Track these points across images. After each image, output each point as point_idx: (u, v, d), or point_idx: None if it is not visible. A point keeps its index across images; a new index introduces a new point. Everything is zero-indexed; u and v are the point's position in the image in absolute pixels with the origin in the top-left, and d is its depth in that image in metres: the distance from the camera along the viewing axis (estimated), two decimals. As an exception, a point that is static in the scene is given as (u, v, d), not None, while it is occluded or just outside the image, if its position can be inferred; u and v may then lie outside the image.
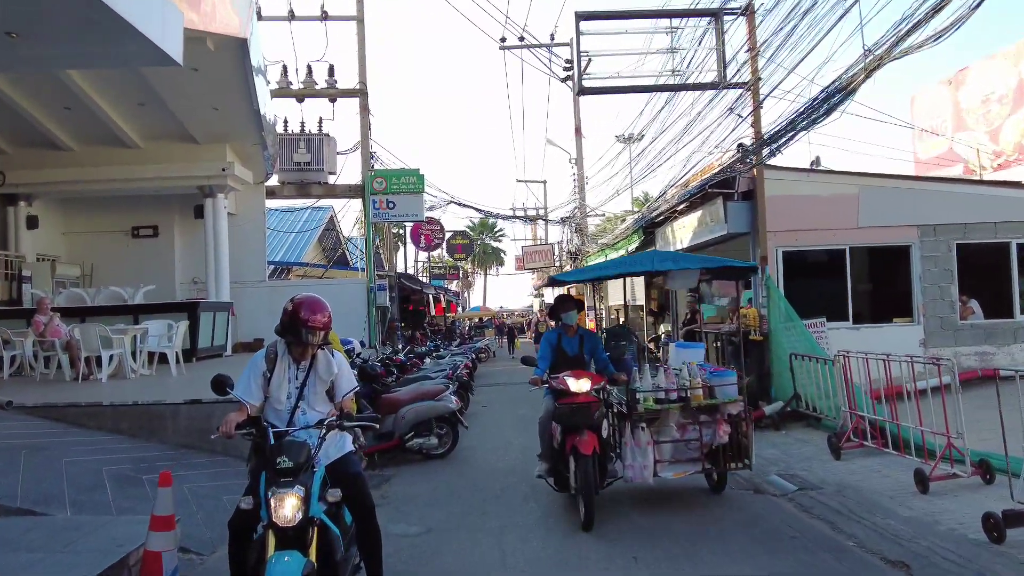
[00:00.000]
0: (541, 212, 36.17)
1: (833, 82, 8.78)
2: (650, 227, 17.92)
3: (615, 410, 7.92)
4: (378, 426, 4.64)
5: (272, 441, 4.27)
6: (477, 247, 72.26)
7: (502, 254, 74.91)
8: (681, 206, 14.47)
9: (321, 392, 4.79)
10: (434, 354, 18.69)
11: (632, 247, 19.56)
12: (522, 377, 25.01)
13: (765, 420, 11.83)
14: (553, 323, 8.56)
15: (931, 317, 12.75)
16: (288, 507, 3.94)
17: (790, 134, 9.70)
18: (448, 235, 32.87)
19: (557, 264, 37.75)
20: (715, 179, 12.39)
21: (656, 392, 7.53)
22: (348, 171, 28.06)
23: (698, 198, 13.71)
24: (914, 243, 12.80)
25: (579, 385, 7.13)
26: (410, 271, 41.44)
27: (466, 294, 73.20)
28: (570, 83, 30.91)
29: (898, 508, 7.05)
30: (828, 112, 9.07)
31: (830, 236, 12.70)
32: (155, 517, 5.34)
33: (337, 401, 4.83)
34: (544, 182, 46.50)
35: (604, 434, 7.37)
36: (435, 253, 44.42)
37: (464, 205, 24.67)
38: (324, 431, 4.42)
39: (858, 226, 12.69)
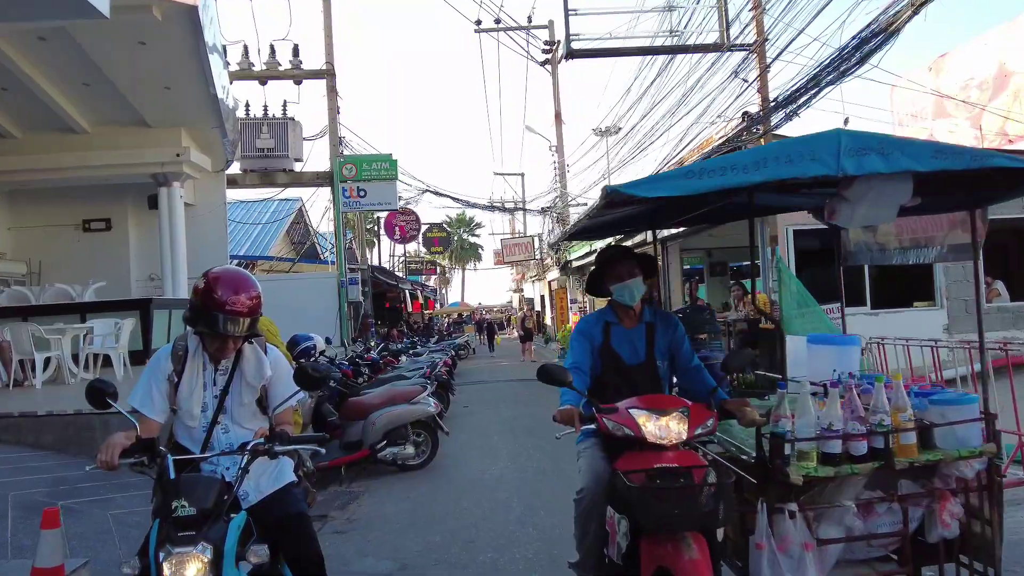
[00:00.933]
0: (520, 204, 34.93)
1: (869, 24, 7.56)
2: (641, 211, 16.68)
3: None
4: (323, 450, 3.29)
5: (173, 474, 2.97)
6: (454, 242, 71.10)
7: (480, 249, 73.65)
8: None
9: (250, 402, 3.50)
10: (411, 352, 17.36)
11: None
12: (504, 374, 23.92)
13: (779, 417, 10.65)
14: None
15: (955, 300, 11.64)
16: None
17: (814, 91, 8.47)
18: (424, 227, 31.49)
19: (537, 257, 36.52)
20: (718, 152, 11.17)
21: (823, 440, 3.59)
22: (315, 158, 26.64)
23: (697, 175, 12.49)
24: (936, 219, 11.66)
25: (664, 429, 3.41)
26: (387, 267, 40.04)
27: (444, 290, 71.84)
28: (548, 67, 29.73)
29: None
30: (862, 61, 7.85)
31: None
32: (37, 570, 4.05)
33: (271, 415, 3.54)
34: (522, 175, 45.33)
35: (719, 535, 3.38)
36: (411, 248, 43.06)
37: (440, 194, 23.32)
38: (246, 458, 3.12)
39: (875, 201, 11.52)
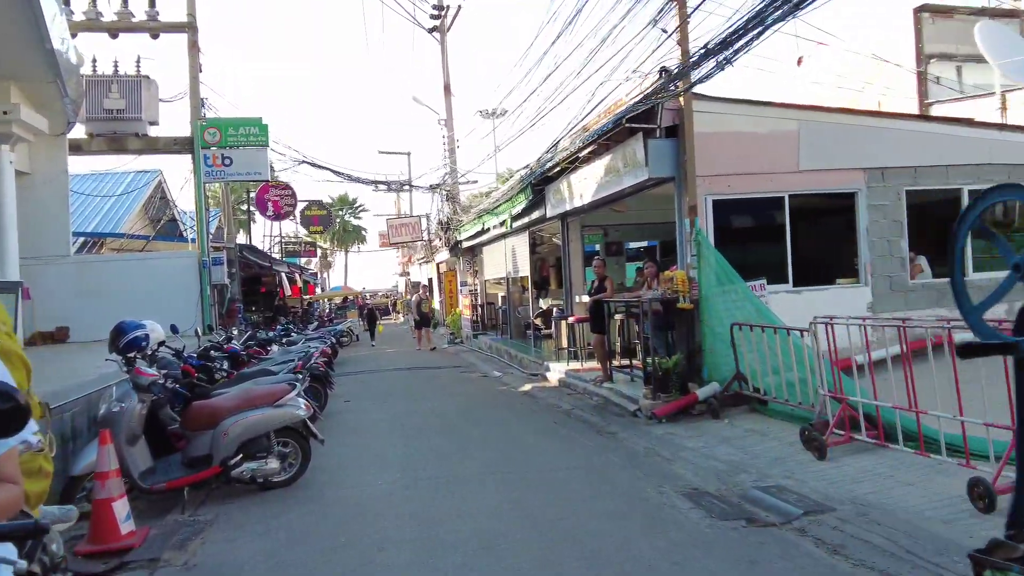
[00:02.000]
0: (407, 183, 33.08)
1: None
2: (540, 184, 15.35)
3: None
4: (31, 540, 1.62)
5: None
6: (337, 222, 68.15)
7: (364, 231, 70.99)
8: (585, 151, 11.93)
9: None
10: (284, 340, 15.44)
11: (517, 209, 16.95)
12: (392, 362, 22.19)
13: (699, 406, 9.56)
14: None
15: (879, 277, 10.87)
16: None
17: (757, 30, 7.26)
18: (302, 204, 29.18)
19: (426, 239, 34.77)
20: (634, 110, 9.90)
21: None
22: (174, 122, 23.88)
23: (606, 140, 11.22)
24: (860, 189, 10.85)
25: None
26: (261, 247, 37.32)
27: (326, 274, 68.83)
28: (437, 35, 27.97)
29: (963, 538, 4.79)
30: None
31: (767, 181, 10.53)
32: None
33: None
34: (408, 154, 43.18)
35: None
36: (290, 229, 40.38)
37: (319, 166, 21.22)
38: None
39: (798, 169, 10.59)
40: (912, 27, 20.70)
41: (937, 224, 11.58)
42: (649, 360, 10.14)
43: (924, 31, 21.31)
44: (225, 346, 10.94)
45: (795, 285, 10.59)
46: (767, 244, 10.86)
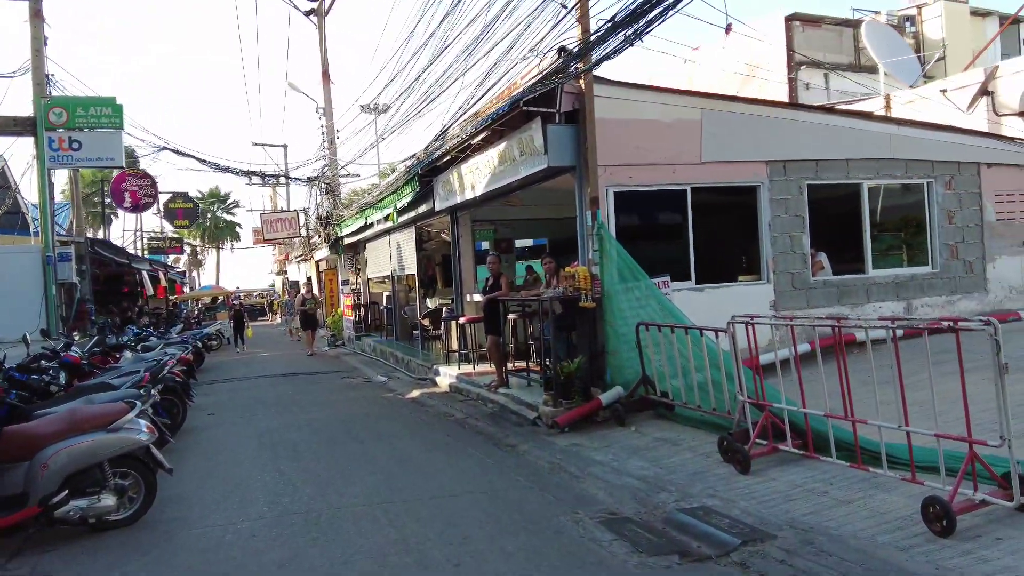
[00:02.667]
0: (284, 175, 31.27)
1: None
2: (428, 175, 14.34)
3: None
4: None
5: None
6: (208, 218, 64.68)
7: (237, 227, 67.60)
8: (478, 138, 11.02)
9: None
10: (140, 346, 13.77)
11: (403, 202, 15.86)
12: (266, 367, 20.55)
13: (603, 413, 8.86)
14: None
15: (781, 274, 10.49)
16: None
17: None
18: (166, 197, 26.97)
19: (303, 235, 32.98)
20: (532, 92, 9.08)
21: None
22: (13, 100, 21.36)
23: (501, 126, 10.36)
24: (763, 183, 10.44)
25: None
26: (119, 243, 34.51)
27: (195, 273, 65.13)
28: (315, 18, 26.42)
29: (928, 569, 4.19)
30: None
31: (669, 173, 9.94)
32: None
33: None
34: (285, 146, 41.06)
35: None
36: (156, 222, 37.56)
37: (183, 153, 19.36)
38: None
39: (701, 160, 10.06)
40: (784, 35, 21.15)
41: (837, 220, 11.37)
42: (549, 363, 9.35)
43: (795, 39, 21.80)
44: (63, 354, 9.38)
45: (698, 283, 10.06)
46: (669, 239, 10.30)
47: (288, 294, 36.78)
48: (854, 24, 27.69)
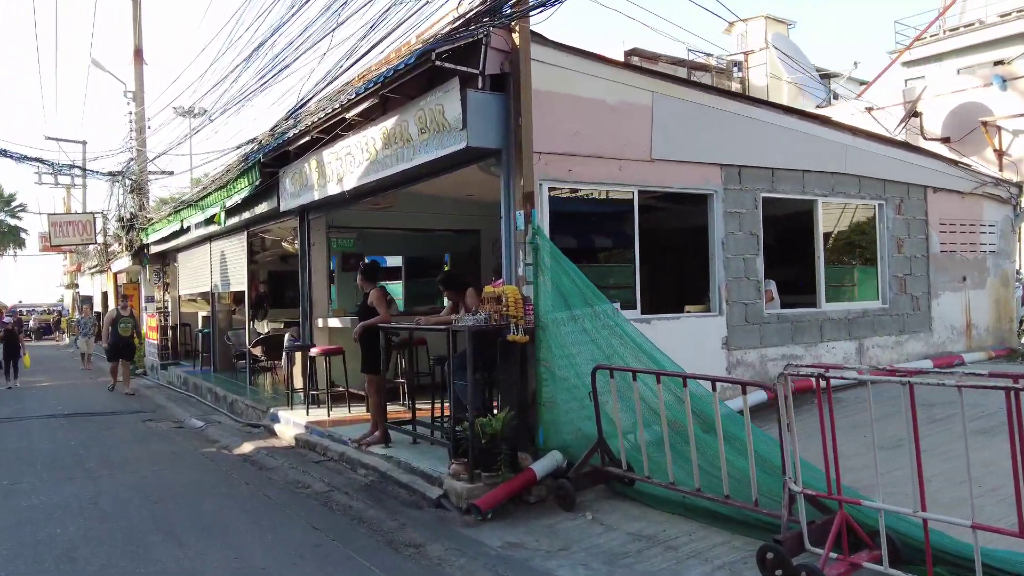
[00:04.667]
0: (80, 169, 26.45)
1: None
2: (272, 165, 11.30)
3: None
4: None
5: None
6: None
7: (23, 233, 58.91)
8: (355, 110, 8.25)
9: None
10: None
11: (235, 199, 12.63)
12: (46, 402, 16.05)
13: (537, 490, 6.38)
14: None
15: (734, 304, 8.50)
16: None
17: None
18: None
19: (100, 243, 28.02)
20: (451, 40, 6.53)
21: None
22: None
23: (389, 95, 7.72)
24: (716, 191, 8.44)
25: None
26: None
27: (-35, 283, 55.96)
28: (127, -14, 22.31)
29: None
30: None
31: (616, 170, 7.70)
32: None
33: None
34: (84, 142, 35.14)
35: None
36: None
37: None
38: None
39: (651, 157, 7.91)
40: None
41: (787, 242, 9.60)
42: (460, 417, 6.74)
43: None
44: None
45: (643, 312, 7.84)
46: (610, 257, 8.05)
47: (81, 311, 31.27)
48: (688, 65, 27.88)
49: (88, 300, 35.00)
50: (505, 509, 6.15)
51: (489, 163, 7.44)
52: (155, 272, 21.61)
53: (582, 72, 7.46)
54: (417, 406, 9.13)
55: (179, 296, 20.96)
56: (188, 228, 16.17)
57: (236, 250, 14.80)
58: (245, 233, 14.22)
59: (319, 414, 10.32)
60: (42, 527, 6.39)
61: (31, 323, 46.79)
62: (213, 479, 8.10)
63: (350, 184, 9.23)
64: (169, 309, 21.33)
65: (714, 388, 5.24)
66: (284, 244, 15.43)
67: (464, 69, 6.80)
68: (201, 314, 19.37)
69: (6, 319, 20.67)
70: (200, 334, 18.00)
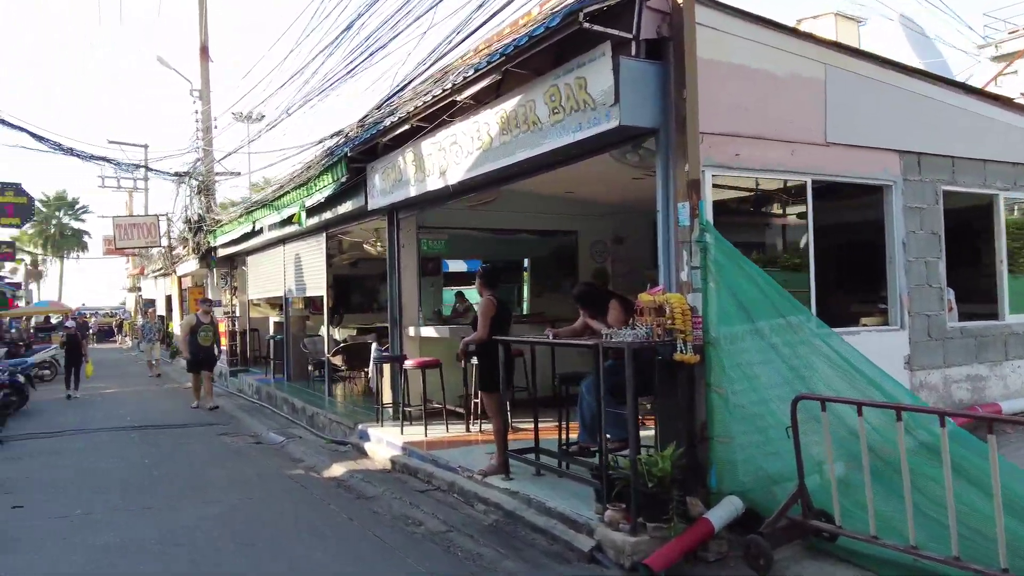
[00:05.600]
0: (145, 169, 26.08)
1: None
2: (360, 160, 10.33)
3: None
4: None
5: None
6: (53, 225, 57.07)
7: (86, 236, 59.83)
8: (472, 89, 7.18)
9: None
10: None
11: (317, 198, 11.70)
12: (114, 411, 15.46)
13: (715, 545, 5.19)
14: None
15: (916, 316, 7.18)
16: None
17: None
18: (-11, 187, 21.28)
19: (165, 246, 27.62)
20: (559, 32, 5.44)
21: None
22: None
23: (516, 67, 6.62)
24: (895, 181, 7.16)
25: None
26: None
27: (34, 286, 56.84)
28: (196, -19, 21.77)
29: None
30: None
31: (787, 155, 6.47)
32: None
33: None
34: (146, 146, 34.85)
35: None
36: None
37: (10, 125, 14.40)
38: None
39: (826, 140, 6.66)
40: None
41: (964, 243, 8.21)
42: (620, 458, 5.59)
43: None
44: None
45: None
46: (777, 259, 6.83)
47: (145, 315, 30.96)
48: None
49: (151, 303, 34.82)
50: (679, 569, 4.98)
51: (636, 148, 6.31)
52: (222, 276, 20.96)
53: (746, 38, 6.25)
54: (518, 425, 8.10)
55: (249, 300, 20.26)
56: (260, 230, 15.36)
57: (314, 252, 13.89)
58: (324, 235, 13.30)
59: (413, 433, 9.31)
60: (116, 567, 5.42)
61: (93, 326, 47.07)
62: (309, 512, 7.08)
63: (456, 177, 8.16)
64: (237, 314, 20.67)
65: (990, 430, 3.98)
66: (366, 246, 14.49)
67: (616, 32, 5.67)
68: (272, 319, 18.58)
69: (69, 323, 20.10)
70: (272, 340, 17.18)
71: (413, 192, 9.24)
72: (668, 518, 5.14)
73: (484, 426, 9.27)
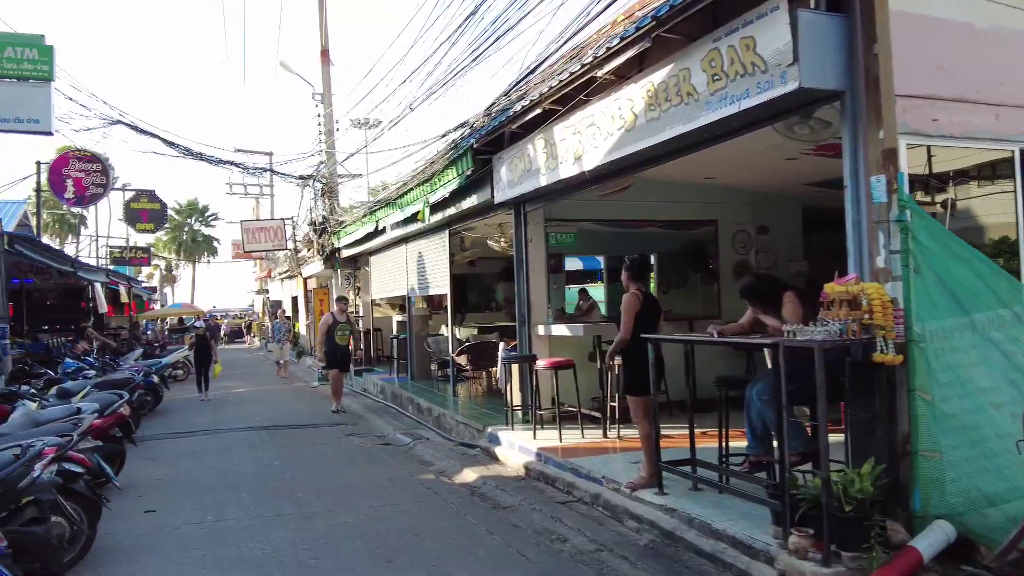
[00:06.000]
0: (271, 175, 26.67)
1: None
2: (486, 149, 9.87)
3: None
4: None
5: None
6: (185, 231, 60.06)
7: (215, 242, 62.68)
8: (618, 60, 6.54)
9: None
10: (53, 390, 9.09)
11: (440, 194, 11.34)
12: (243, 410, 15.66)
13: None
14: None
15: None
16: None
17: None
18: (129, 195, 22.29)
19: (291, 248, 28.29)
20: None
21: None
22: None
23: (665, 32, 5.94)
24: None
25: None
26: (91, 254, 29.86)
27: (168, 290, 60.01)
28: (316, -14, 22.05)
29: None
30: None
31: (990, 120, 5.51)
32: None
33: None
34: (270, 153, 35.88)
35: None
36: (122, 228, 32.70)
37: (142, 131, 14.80)
38: None
39: (1037, 101, 5.66)
40: None
41: None
42: (798, 474, 4.84)
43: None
44: None
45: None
46: (980, 243, 5.86)
47: (274, 316, 31.80)
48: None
49: (278, 305, 35.85)
50: (886, 608, 4.19)
51: (807, 118, 5.52)
52: (346, 276, 21.14)
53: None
54: (667, 432, 7.37)
55: (372, 300, 20.33)
56: (383, 229, 15.21)
57: (436, 250, 13.58)
58: (447, 232, 12.96)
59: (546, 437, 8.75)
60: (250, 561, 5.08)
61: (225, 327, 49.04)
62: (445, 523, 6.61)
63: (592, 162, 7.54)
64: (361, 314, 20.78)
65: None
66: (489, 242, 14.07)
67: (791, -15, 4.90)
68: (395, 319, 18.51)
69: (198, 324, 20.62)
70: (395, 340, 17.06)
71: (544, 181, 8.68)
72: (868, 546, 4.36)
73: (623, 432, 8.62)
